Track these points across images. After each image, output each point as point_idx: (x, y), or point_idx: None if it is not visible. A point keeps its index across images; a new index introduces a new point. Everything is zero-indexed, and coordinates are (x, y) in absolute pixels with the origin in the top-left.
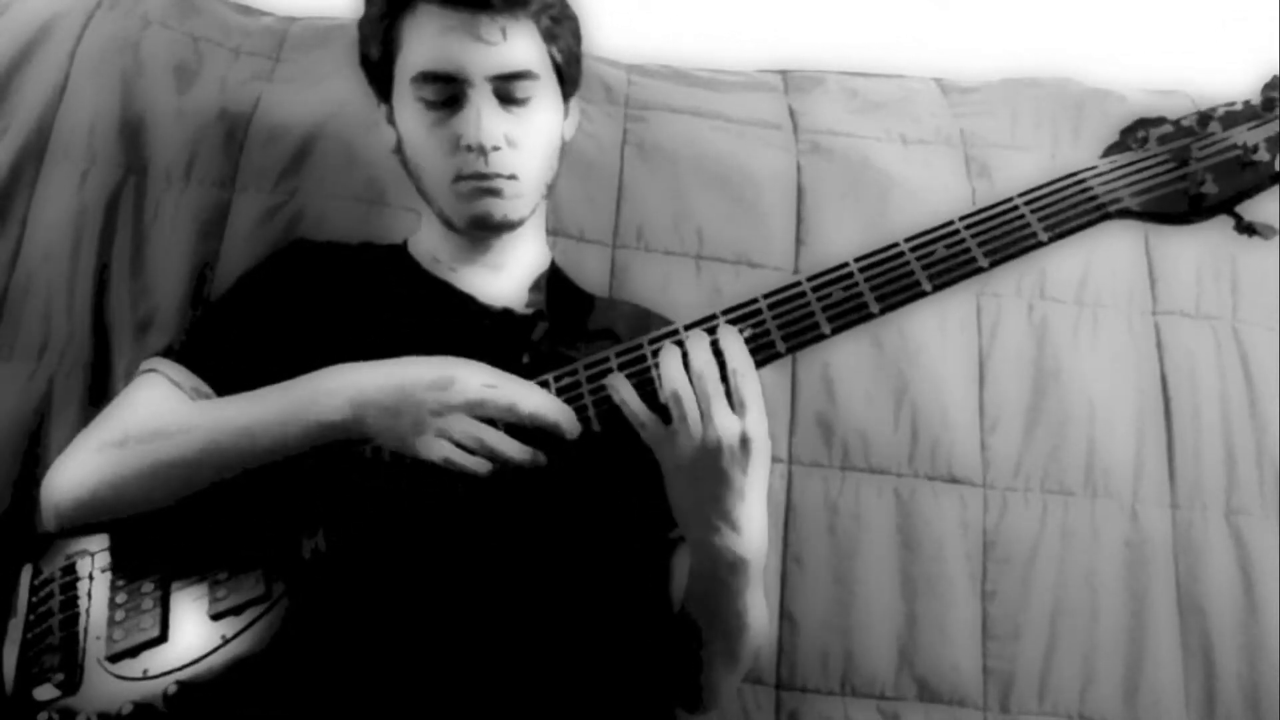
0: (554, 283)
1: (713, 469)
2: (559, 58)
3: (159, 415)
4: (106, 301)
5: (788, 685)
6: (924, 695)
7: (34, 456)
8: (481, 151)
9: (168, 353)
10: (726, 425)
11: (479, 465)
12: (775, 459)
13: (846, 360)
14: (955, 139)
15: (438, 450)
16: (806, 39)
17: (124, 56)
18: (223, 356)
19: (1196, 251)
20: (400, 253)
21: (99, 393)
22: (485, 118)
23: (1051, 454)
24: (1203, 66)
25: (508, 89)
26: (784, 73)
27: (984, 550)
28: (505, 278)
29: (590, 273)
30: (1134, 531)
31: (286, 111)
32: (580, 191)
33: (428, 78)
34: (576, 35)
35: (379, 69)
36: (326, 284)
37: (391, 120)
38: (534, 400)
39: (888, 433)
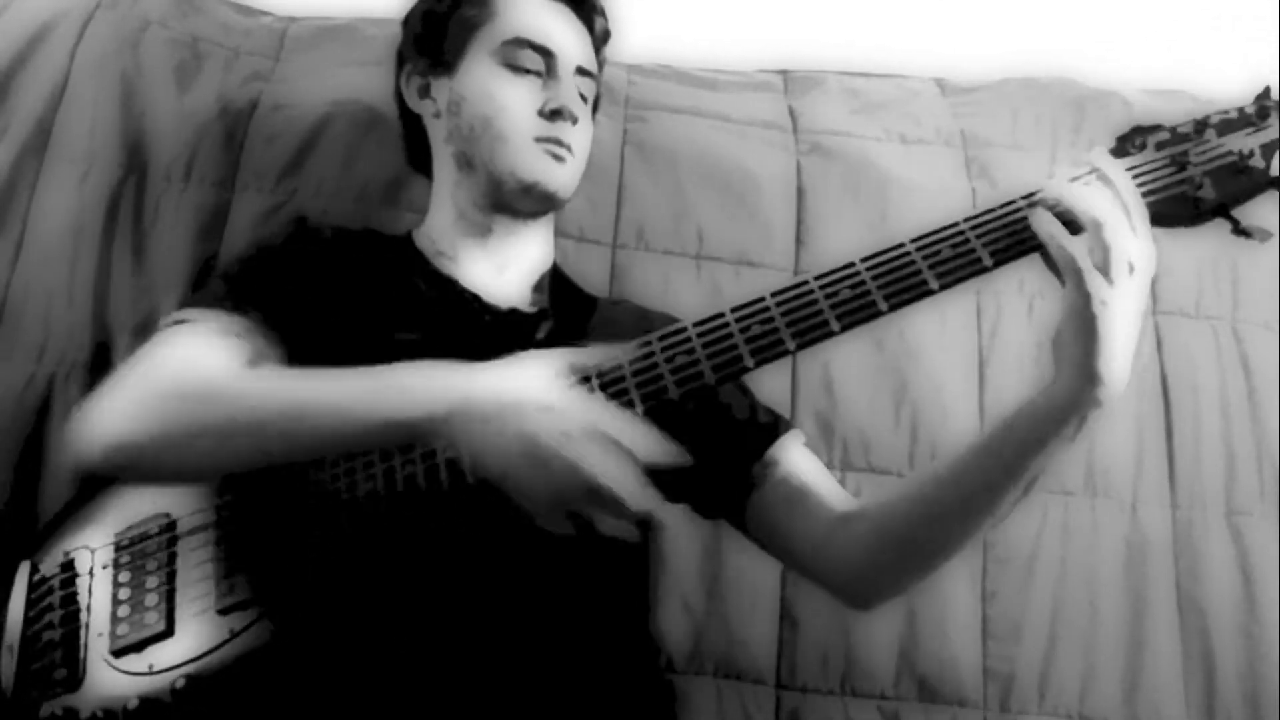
0: (556, 283)
1: (1124, 292)
2: (601, 74)
3: (225, 375)
4: (106, 301)
5: (788, 685)
6: (924, 695)
7: (33, 457)
8: (565, 118)
9: (207, 302)
10: (1140, 248)
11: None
12: None
13: (846, 360)
14: (955, 139)
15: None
16: (806, 39)
17: (124, 56)
18: (273, 297)
19: (1196, 252)
20: (405, 244)
21: None
22: (571, 93)
23: None
24: (1203, 66)
25: (580, 83)
26: (784, 73)
27: (984, 550)
28: (509, 275)
29: (590, 273)
30: (1134, 531)
31: (286, 111)
32: (580, 191)
33: (524, 44)
34: None
35: (457, 34)
36: (333, 268)
37: (428, 93)
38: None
39: (888, 433)
